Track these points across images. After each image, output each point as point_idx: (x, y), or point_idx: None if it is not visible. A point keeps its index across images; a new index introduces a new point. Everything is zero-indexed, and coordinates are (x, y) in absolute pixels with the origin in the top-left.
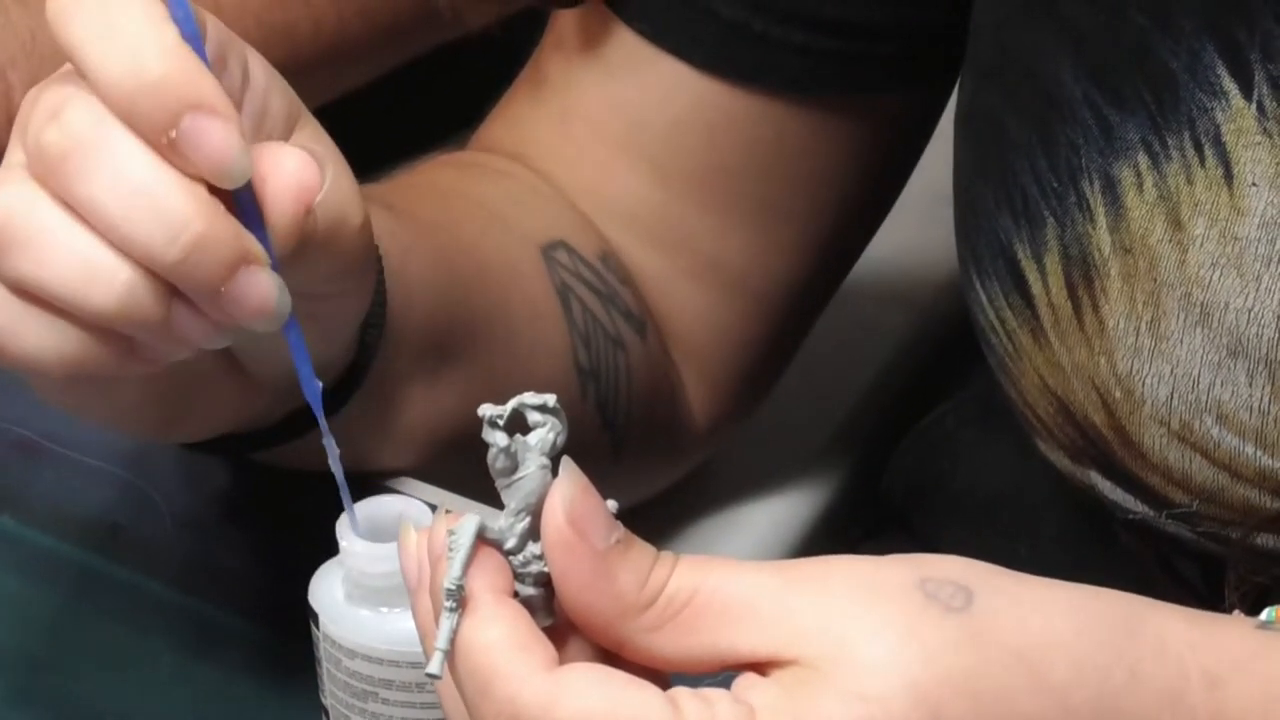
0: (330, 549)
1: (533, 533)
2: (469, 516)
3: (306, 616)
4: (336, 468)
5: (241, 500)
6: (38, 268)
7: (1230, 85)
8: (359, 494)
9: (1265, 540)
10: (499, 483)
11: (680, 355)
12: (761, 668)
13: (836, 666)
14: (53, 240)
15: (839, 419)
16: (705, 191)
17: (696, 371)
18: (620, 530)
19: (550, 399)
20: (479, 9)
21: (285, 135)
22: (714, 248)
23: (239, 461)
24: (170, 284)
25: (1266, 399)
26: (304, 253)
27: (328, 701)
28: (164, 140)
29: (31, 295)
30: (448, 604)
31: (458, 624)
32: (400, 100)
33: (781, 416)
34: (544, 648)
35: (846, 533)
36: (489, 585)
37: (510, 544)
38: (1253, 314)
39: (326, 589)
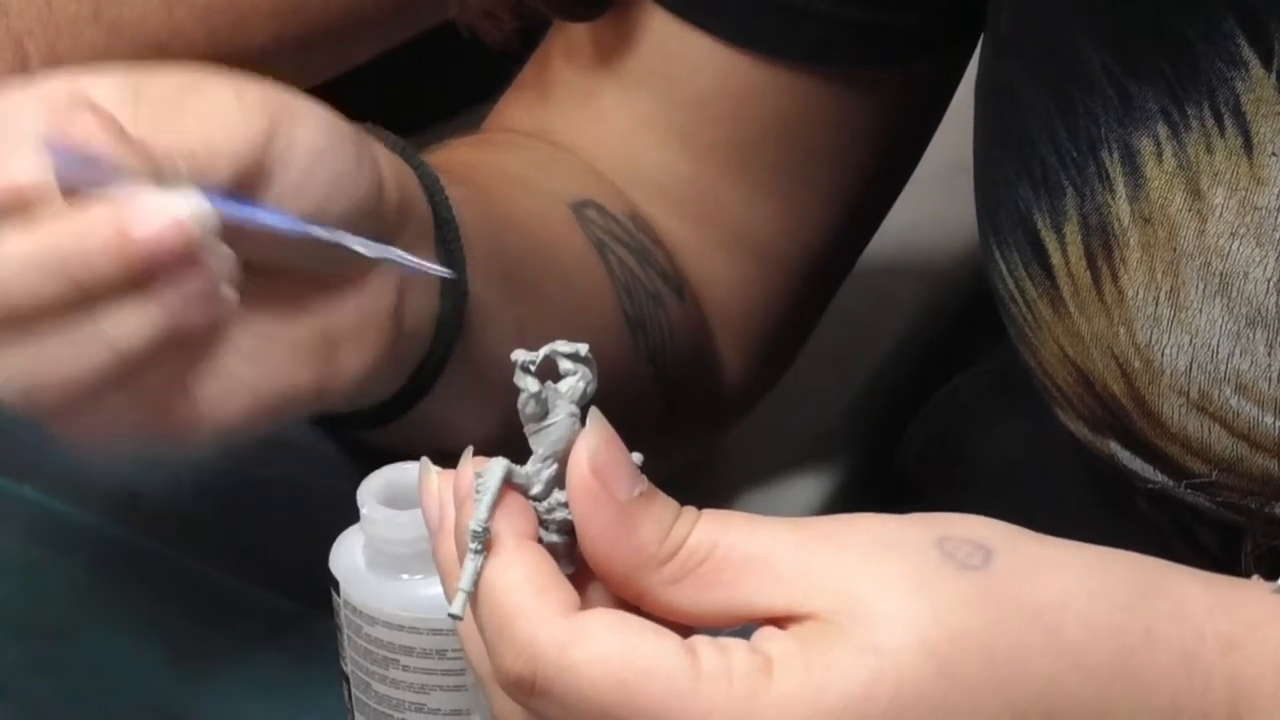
0: (351, 516)
1: (559, 480)
2: (496, 460)
3: (327, 584)
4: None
5: (261, 468)
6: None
7: (1250, 55)
8: (375, 464)
9: None
10: (527, 428)
11: (715, 318)
12: (779, 622)
13: (851, 620)
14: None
15: (855, 392)
16: (733, 163)
17: (728, 339)
18: (644, 483)
19: (583, 348)
20: (495, 27)
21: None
22: (742, 218)
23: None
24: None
25: None
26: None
27: (348, 669)
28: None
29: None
30: (473, 546)
31: (482, 566)
32: (410, 73)
33: (798, 390)
34: (565, 592)
35: (862, 506)
36: (513, 529)
37: (536, 490)
38: (1272, 283)
39: (347, 556)
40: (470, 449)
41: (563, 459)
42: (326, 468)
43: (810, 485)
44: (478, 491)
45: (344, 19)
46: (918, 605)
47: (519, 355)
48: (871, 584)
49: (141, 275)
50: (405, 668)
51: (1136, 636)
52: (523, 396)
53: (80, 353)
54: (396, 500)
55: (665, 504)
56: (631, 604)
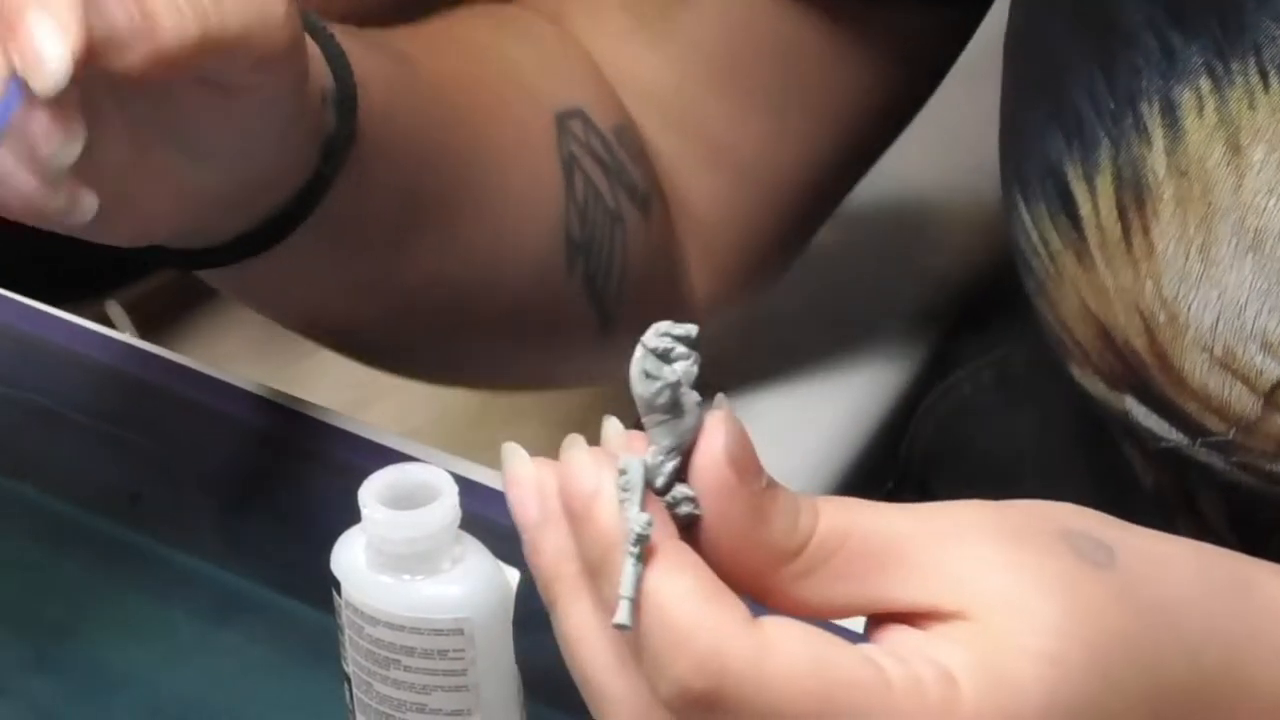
0: (352, 516)
1: (680, 474)
2: (630, 457)
3: (328, 584)
4: None
5: (262, 467)
6: None
7: None
8: (379, 464)
9: None
10: (651, 418)
11: (686, 236)
12: (913, 619)
13: (1014, 624)
14: None
15: (857, 385)
16: (723, 79)
17: (701, 253)
18: (767, 474)
19: (693, 330)
20: None
21: None
22: (727, 134)
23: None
24: None
25: None
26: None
27: (349, 669)
28: None
29: None
30: (633, 549)
31: (643, 572)
32: None
33: (800, 382)
34: (735, 599)
35: (865, 497)
36: (665, 532)
37: (659, 483)
38: None
39: (349, 556)
40: (579, 438)
41: (686, 451)
42: (328, 467)
43: (812, 477)
44: (624, 490)
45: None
46: (1076, 609)
47: (649, 340)
48: (1024, 584)
49: None
50: (407, 668)
51: (1243, 635)
52: (657, 386)
53: None
54: (398, 500)
55: (789, 494)
56: (756, 600)
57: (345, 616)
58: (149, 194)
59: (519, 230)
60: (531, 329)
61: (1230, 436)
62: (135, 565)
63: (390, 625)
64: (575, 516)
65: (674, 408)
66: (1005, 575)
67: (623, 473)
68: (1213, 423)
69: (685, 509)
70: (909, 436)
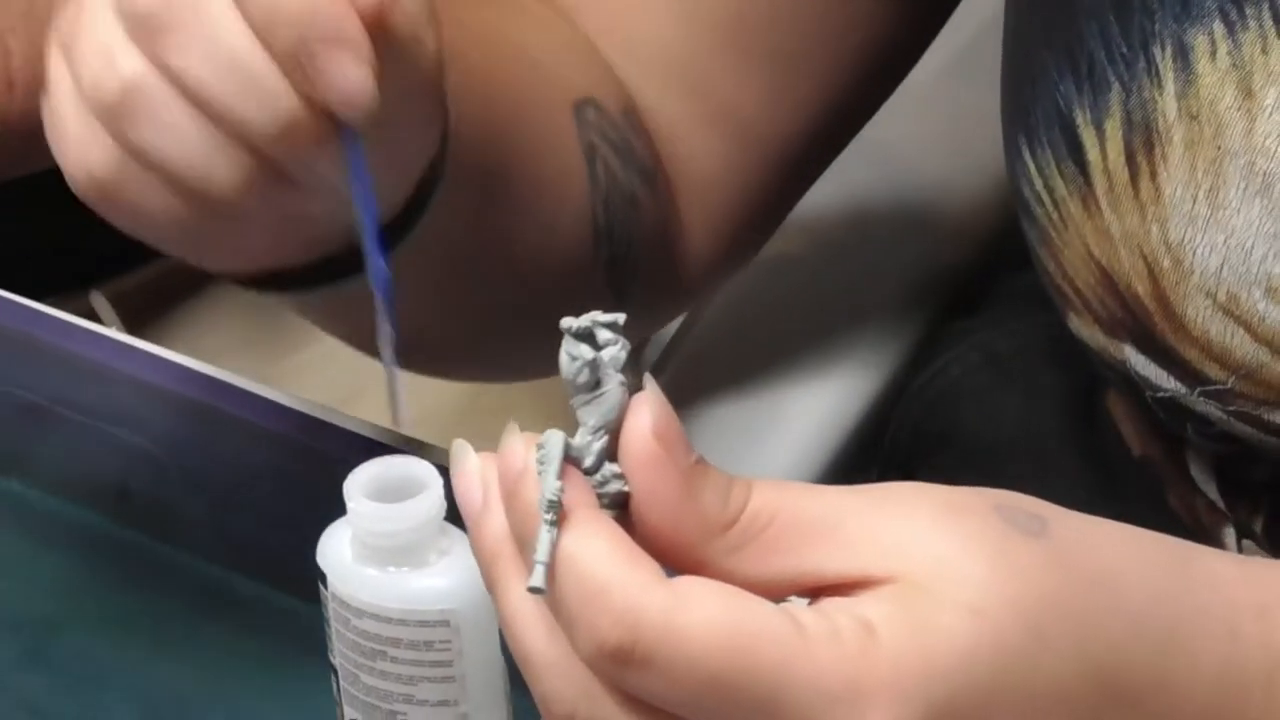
0: (338, 509)
1: (609, 452)
2: (553, 432)
3: (315, 577)
4: (386, 349)
5: (250, 462)
6: (160, 140)
7: None
8: (365, 457)
9: None
10: (576, 399)
11: (685, 198)
12: (846, 589)
13: (941, 583)
14: (170, 116)
15: (846, 369)
16: (726, 39)
17: (700, 214)
18: (696, 451)
19: (621, 317)
20: None
21: None
22: (729, 95)
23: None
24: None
25: None
26: (385, 60)
27: (337, 661)
28: (293, 59)
29: (151, 163)
30: (548, 517)
31: (557, 538)
32: None
33: (790, 367)
34: (651, 560)
35: (854, 481)
36: (583, 499)
37: (588, 463)
38: None
39: (335, 549)
40: (514, 425)
41: (614, 430)
42: (313, 461)
43: (806, 460)
44: (541, 463)
45: None
46: (1003, 567)
47: (568, 323)
48: (952, 547)
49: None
50: (393, 659)
51: (1185, 605)
52: (575, 365)
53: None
54: (383, 493)
55: (719, 471)
56: (689, 574)
57: (332, 609)
58: (276, 223)
59: (556, 222)
60: (561, 317)
61: (1229, 384)
62: (124, 560)
63: (377, 617)
64: (506, 496)
65: (596, 386)
66: (934, 542)
67: (540, 447)
68: (1212, 370)
69: (614, 486)
70: (896, 419)
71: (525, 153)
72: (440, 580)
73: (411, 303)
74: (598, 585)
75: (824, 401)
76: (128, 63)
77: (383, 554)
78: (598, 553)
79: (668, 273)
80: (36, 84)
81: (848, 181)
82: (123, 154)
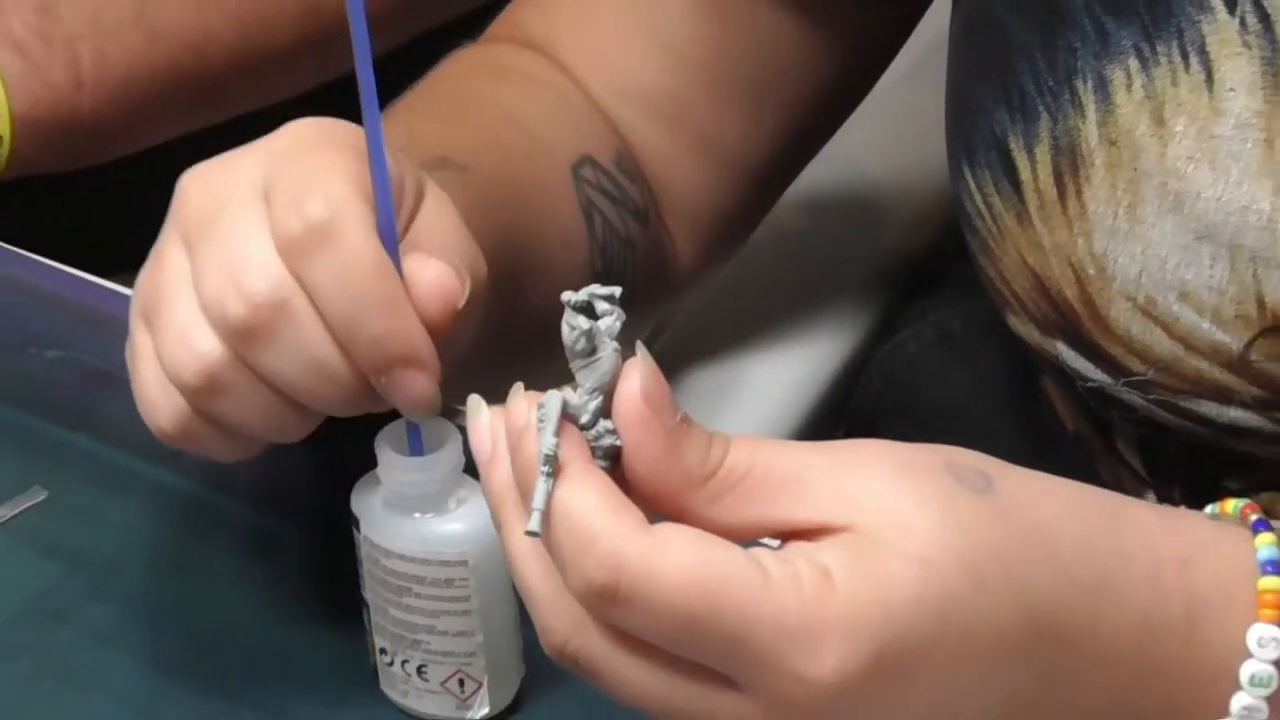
0: (369, 463)
1: (604, 410)
2: (552, 393)
3: (349, 522)
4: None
5: None
6: (232, 414)
7: (1217, 2)
8: (389, 418)
9: (1208, 408)
10: (575, 363)
11: (672, 216)
12: (810, 535)
13: (893, 533)
14: (245, 399)
15: (818, 344)
16: (707, 76)
17: (686, 229)
18: (682, 411)
19: (616, 291)
20: None
21: (415, 206)
22: (708, 126)
23: None
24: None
25: (1224, 280)
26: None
27: (368, 596)
28: (373, 373)
29: (222, 427)
30: (545, 469)
31: (553, 487)
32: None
33: (771, 343)
34: (636, 509)
35: (826, 439)
36: (577, 454)
37: (584, 419)
38: (1220, 203)
39: (366, 498)
40: (520, 385)
41: (608, 390)
42: (348, 420)
43: (780, 422)
44: (540, 420)
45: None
46: (950, 521)
47: (569, 296)
48: (905, 502)
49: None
50: (418, 595)
51: (1114, 555)
52: (574, 334)
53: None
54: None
55: (701, 429)
56: (673, 521)
57: (364, 551)
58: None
59: (560, 277)
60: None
61: (1149, 376)
62: (179, 507)
63: (403, 558)
64: (511, 448)
65: (592, 353)
66: (890, 495)
67: (540, 406)
68: (1134, 364)
69: (608, 440)
70: (860, 388)
71: (533, 231)
72: (459, 525)
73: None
74: (587, 531)
75: (796, 370)
76: (209, 347)
77: (408, 502)
78: (587, 502)
79: (660, 283)
80: (103, 85)
81: (815, 180)
82: (197, 419)
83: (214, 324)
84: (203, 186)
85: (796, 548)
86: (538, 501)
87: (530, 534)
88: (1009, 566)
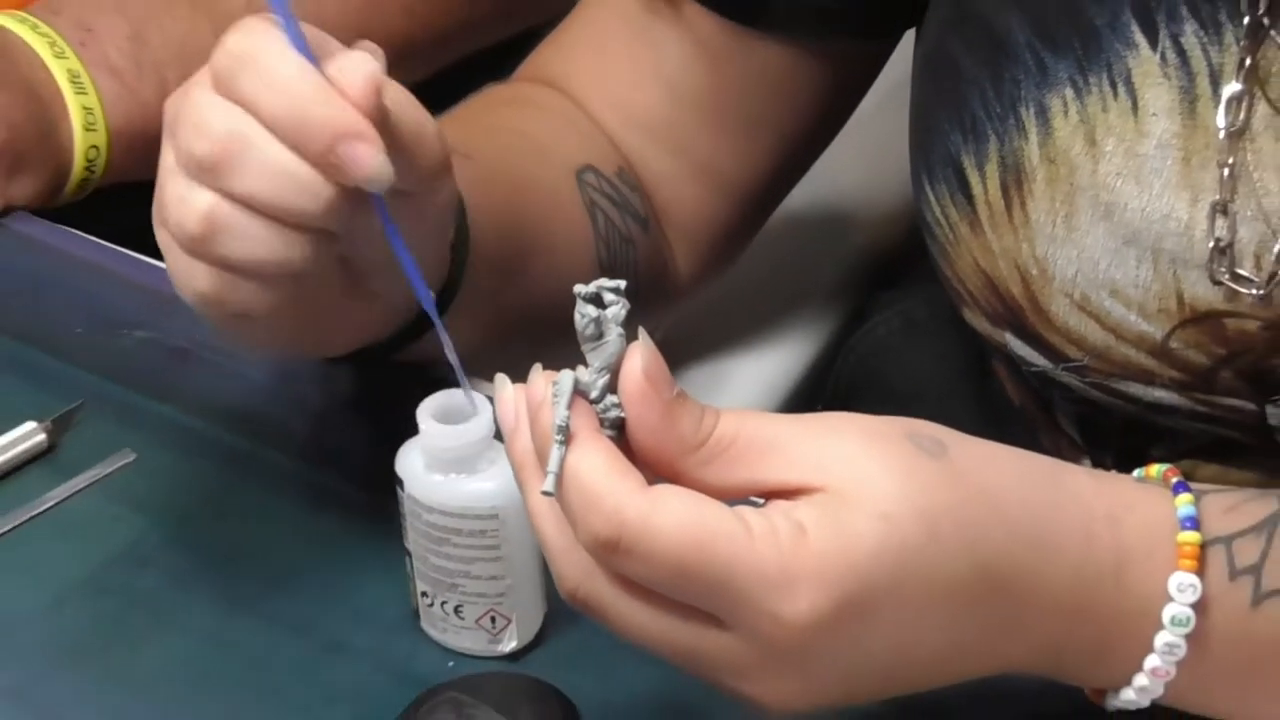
0: (411, 430)
1: (610, 386)
2: (566, 372)
3: (394, 482)
4: (452, 355)
5: (347, 392)
6: (239, 248)
7: (1141, 40)
8: (430, 390)
9: (1134, 389)
10: (586, 346)
11: (674, 234)
12: (789, 494)
13: (858, 493)
14: (242, 228)
15: (800, 329)
16: (705, 110)
17: (687, 246)
18: (678, 387)
19: (622, 283)
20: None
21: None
22: (705, 153)
23: (371, 364)
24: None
25: (1149, 279)
26: (397, 151)
27: (410, 546)
28: (325, 158)
29: (238, 268)
30: (558, 438)
31: (565, 453)
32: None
33: (758, 329)
34: (637, 473)
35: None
36: (586, 425)
37: (594, 394)
38: (1144, 213)
39: (409, 460)
40: (539, 365)
41: (614, 369)
42: (393, 392)
43: (766, 398)
44: (555, 395)
45: (409, 48)
46: (910, 482)
47: (580, 288)
48: (871, 465)
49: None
50: (455, 545)
51: (1052, 513)
52: (584, 321)
53: (291, 241)
54: (447, 417)
55: (695, 403)
56: (669, 482)
57: (407, 506)
58: (352, 317)
59: (567, 267)
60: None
61: (1085, 362)
62: (247, 465)
63: (442, 512)
64: (531, 420)
65: (600, 337)
66: (857, 460)
67: (555, 383)
68: (1072, 351)
69: (614, 413)
70: (835, 368)
71: (538, 218)
72: (490, 484)
73: (465, 343)
74: (593, 491)
75: (781, 354)
76: (198, 198)
77: (446, 464)
78: (594, 466)
79: (661, 289)
80: None
81: (798, 192)
82: (216, 270)
83: (189, 171)
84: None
85: (776, 505)
86: (552, 465)
87: (545, 494)
88: (962, 523)
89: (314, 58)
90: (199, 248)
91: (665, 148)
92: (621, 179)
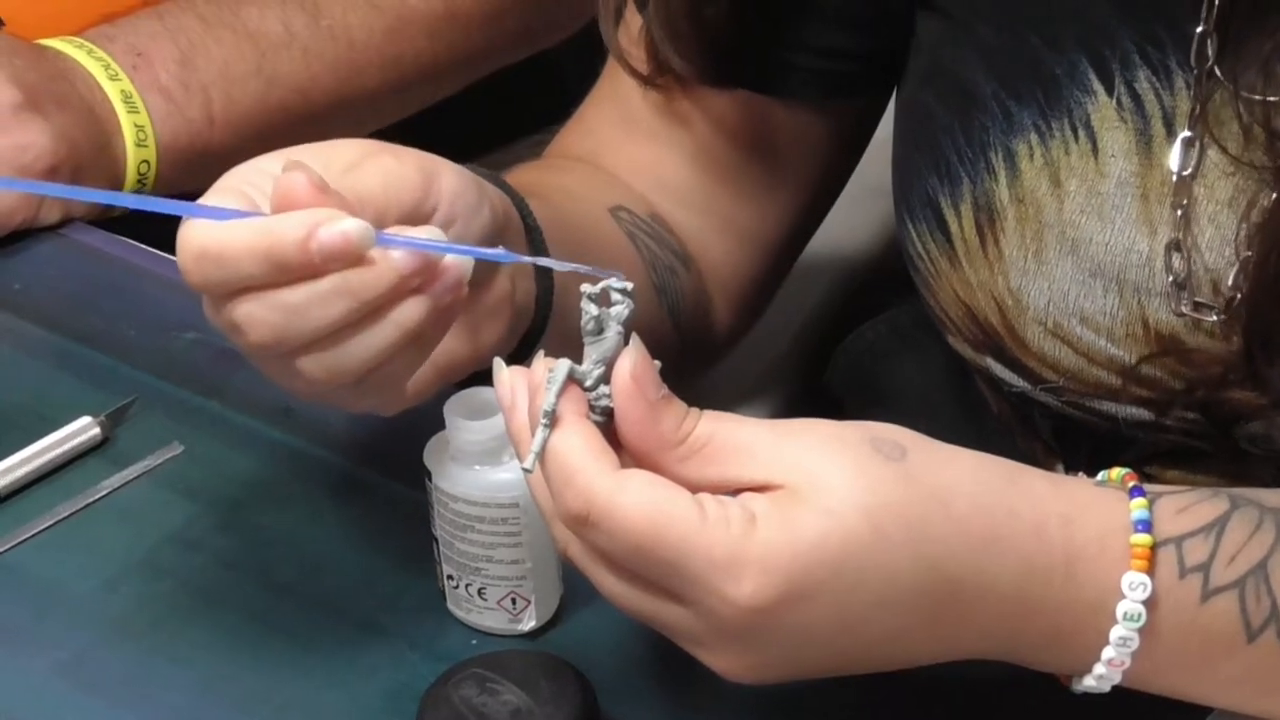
0: (439, 425)
1: (605, 378)
2: (562, 360)
3: (423, 474)
4: (572, 266)
5: None
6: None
7: (1098, 87)
8: (457, 389)
9: (1107, 406)
10: (586, 339)
11: (711, 285)
12: (758, 489)
13: (810, 490)
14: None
15: (795, 334)
16: (727, 171)
17: (720, 298)
18: (665, 388)
19: (630, 284)
20: (632, 62)
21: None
22: (732, 212)
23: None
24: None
25: (1115, 307)
26: (366, 201)
27: (438, 532)
28: (314, 260)
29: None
30: (544, 421)
31: (549, 435)
32: (481, 105)
33: (756, 334)
34: (612, 455)
35: (800, 415)
36: (573, 409)
37: (588, 384)
38: (1108, 247)
39: (437, 453)
40: (541, 350)
41: (609, 363)
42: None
43: (762, 400)
44: (549, 382)
45: (434, 69)
46: (860, 482)
47: (586, 287)
48: (827, 466)
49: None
50: (478, 531)
51: (1003, 513)
52: (586, 317)
53: (369, 344)
54: (472, 413)
55: (679, 404)
56: (650, 472)
57: (434, 495)
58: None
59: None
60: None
61: (1060, 383)
62: (289, 459)
63: (467, 501)
64: (530, 400)
65: (600, 333)
66: (815, 461)
67: (550, 370)
68: (1048, 374)
69: (605, 402)
70: (831, 367)
71: (592, 248)
72: (511, 475)
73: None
74: (569, 468)
75: (783, 355)
76: (297, 375)
77: (471, 457)
78: (571, 445)
79: (707, 329)
80: (229, 122)
81: None
82: (356, 390)
83: (272, 357)
84: None
85: (739, 497)
86: (535, 445)
87: (525, 470)
88: (909, 521)
89: (245, 209)
90: (328, 398)
91: (690, 207)
92: (654, 220)
